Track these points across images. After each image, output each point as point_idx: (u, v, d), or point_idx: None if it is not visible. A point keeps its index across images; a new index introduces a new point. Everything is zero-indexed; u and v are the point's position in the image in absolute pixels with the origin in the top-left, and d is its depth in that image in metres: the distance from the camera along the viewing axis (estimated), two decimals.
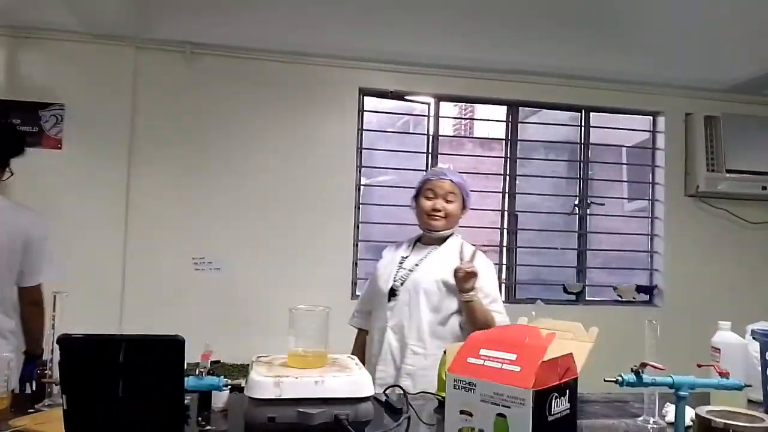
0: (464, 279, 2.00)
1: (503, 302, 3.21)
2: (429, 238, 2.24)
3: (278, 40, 3.55)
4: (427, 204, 2.18)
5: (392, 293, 2.14)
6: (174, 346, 1.08)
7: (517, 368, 1.14)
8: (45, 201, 3.30)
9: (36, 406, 1.47)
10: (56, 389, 1.48)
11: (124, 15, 3.24)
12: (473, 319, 2.04)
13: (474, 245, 2.17)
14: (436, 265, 2.13)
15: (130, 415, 1.05)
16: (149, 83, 3.55)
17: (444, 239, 2.22)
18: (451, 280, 2.06)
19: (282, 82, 3.69)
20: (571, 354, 1.23)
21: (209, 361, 1.43)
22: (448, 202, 2.17)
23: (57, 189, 3.39)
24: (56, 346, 1.05)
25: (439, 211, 2.16)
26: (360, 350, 2.26)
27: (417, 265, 2.16)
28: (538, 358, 1.14)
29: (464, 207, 2.24)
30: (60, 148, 3.43)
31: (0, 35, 3.38)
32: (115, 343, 1.04)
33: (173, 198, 3.54)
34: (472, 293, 2.02)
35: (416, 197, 2.27)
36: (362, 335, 2.32)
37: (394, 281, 2.15)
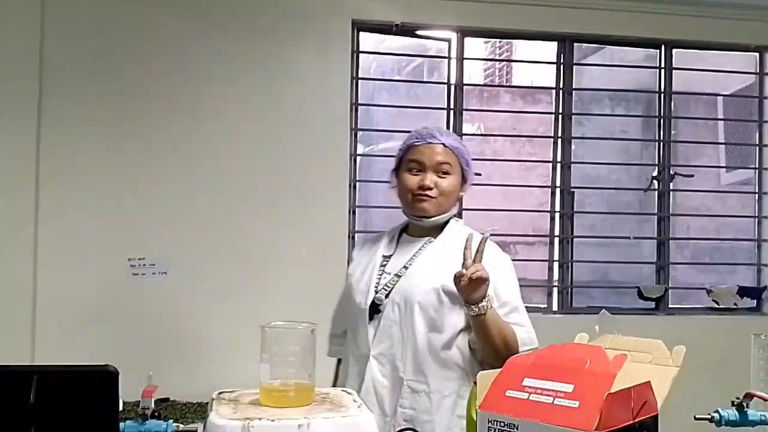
0: (470, 287, 1.89)
1: (553, 313, 3.18)
2: (418, 227, 2.16)
3: None
4: (412, 180, 2.10)
5: (374, 309, 2.07)
6: (105, 379, 1.08)
7: (575, 403, 1.14)
8: None
9: None
10: None
11: None
12: (487, 339, 1.96)
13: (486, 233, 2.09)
14: (432, 265, 2.06)
15: None
16: (62, 15, 3.53)
17: (440, 228, 2.16)
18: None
19: (245, 12, 3.68)
20: (649, 383, 1.23)
21: (153, 400, 1.44)
22: (440, 175, 2.09)
23: None
24: None
25: (429, 188, 2.07)
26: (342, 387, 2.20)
27: (406, 267, 2.09)
28: (604, 390, 1.13)
29: (464, 181, 2.17)
30: None
31: None
32: (24, 376, 1.04)
33: (100, 176, 3.54)
34: (483, 304, 1.91)
35: (396, 171, 2.19)
36: (344, 368, 2.25)
37: (376, 292, 2.08)
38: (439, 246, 2.11)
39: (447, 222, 2.16)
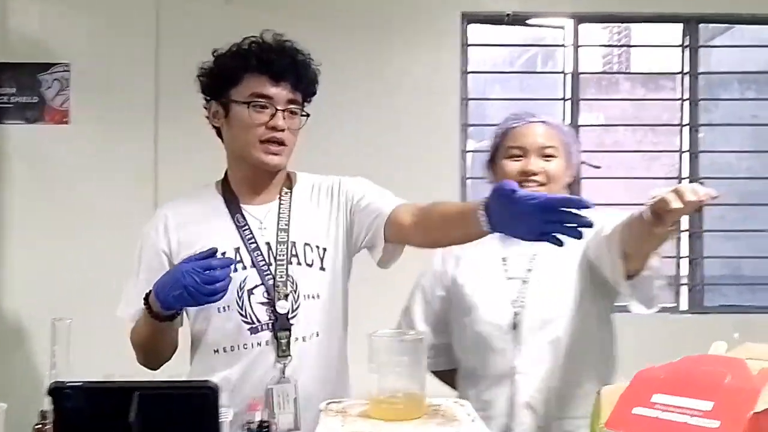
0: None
1: (681, 312, 2.94)
2: None
3: None
4: (513, 167, 1.83)
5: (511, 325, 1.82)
6: (205, 395, 1.06)
7: (716, 423, 1.04)
8: (54, 188, 3.53)
9: None
10: None
11: None
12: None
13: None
14: (558, 269, 1.80)
15: None
16: (176, 27, 3.61)
17: None
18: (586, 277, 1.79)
19: (351, 10, 3.65)
20: None
21: (257, 413, 1.43)
22: (546, 159, 1.83)
23: (67, 172, 3.55)
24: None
25: (535, 174, 1.81)
26: None
27: (530, 270, 1.84)
28: (748, 408, 1.03)
29: (570, 165, 1.90)
30: (67, 122, 3.59)
31: None
32: (125, 392, 1.02)
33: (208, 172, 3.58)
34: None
35: (491, 161, 1.95)
36: (447, 377, 2.03)
37: (514, 308, 1.82)
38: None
39: None
